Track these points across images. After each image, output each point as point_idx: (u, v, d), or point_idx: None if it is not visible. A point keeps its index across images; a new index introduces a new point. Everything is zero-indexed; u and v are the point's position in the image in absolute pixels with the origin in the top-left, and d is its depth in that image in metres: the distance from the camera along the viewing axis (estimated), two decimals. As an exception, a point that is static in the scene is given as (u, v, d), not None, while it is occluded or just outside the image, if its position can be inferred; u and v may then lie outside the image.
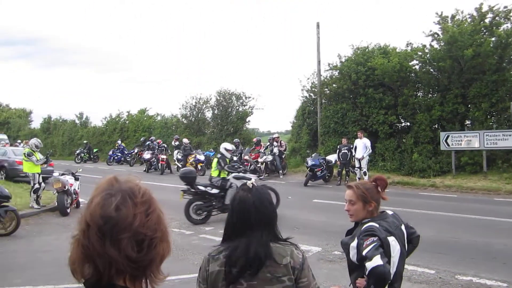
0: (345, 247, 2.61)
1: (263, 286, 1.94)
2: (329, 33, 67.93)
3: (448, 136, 16.04)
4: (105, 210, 1.12)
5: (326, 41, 43.66)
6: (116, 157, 27.98)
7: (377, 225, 2.50)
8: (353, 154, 16.06)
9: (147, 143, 24.35)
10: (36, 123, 46.66)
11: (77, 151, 30.83)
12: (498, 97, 16.07)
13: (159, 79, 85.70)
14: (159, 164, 21.44)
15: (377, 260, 2.26)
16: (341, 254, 7.09)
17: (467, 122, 17.40)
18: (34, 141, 12.50)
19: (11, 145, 25.97)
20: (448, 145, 16.00)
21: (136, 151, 26.64)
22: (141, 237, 1.13)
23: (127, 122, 34.70)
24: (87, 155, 30.27)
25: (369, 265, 2.28)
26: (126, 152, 28.39)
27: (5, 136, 31.62)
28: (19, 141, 31.08)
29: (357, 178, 15.63)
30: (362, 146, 15.75)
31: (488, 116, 16.87)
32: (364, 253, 2.35)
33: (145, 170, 22.21)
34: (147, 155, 22.54)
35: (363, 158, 15.66)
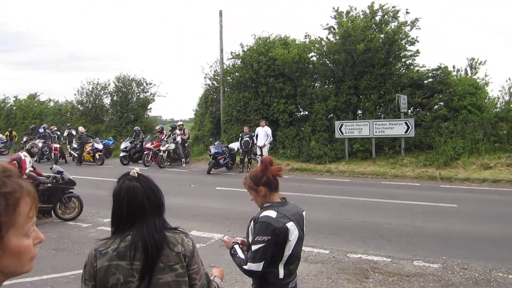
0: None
1: (156, 276, 1.89)
2: (233, 22, 68.45)
3: (342, 125, 17.10)
4: None
5: (229, 29, 43.83)
6: None
7: (275, 213, 2.53)
8: (254, 142, 16.42)
9: (40, 130, 22.48)
10: None
11: None
12: (386, 89, 17.50)
13: (55, 62, 79.52)
14: (52, 154, 19.91)
15: (258, 267, 2.47)
16: (244, 239, 7.26)
17: (359, 112, 18.73)
18: None
19: None
20: (342, 133, 17.07)
21: (25, 139, 24.42)
22: None
23: (14, 108, 31.70)
24: None
25: (250, 266, 2.49)
26: (3, 140, 26.01)
27: None
28: None
29: (258, 165, 15.97)
30: (263, 134, 16.18)
31: (377, 107, 18.30)
32: (252, 247, 2.50)
33: (36, 160, 20.45)
34: (38, 143, 20.77)
35: (264, 145, 16.12)
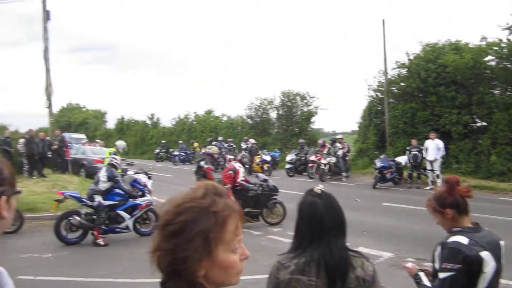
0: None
1: None
2: (396, 29, 65.75)
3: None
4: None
5: (392, 38, 42.27)
6: (181, 157, 28.82)
7: (466, 240, 2.33)
8: (424, 156, 15.40)
9: (214, 143, 24.88)
10: (110, 124, 49.15)
11: (156, 150, 31.64)
12: None
13: (222, 79, 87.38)
14: (226, 164, 21.79)
15: None
16: (415, 261, 6.85)
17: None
18: (122, 144, 13.81)
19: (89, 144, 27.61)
20: (531, 146, 14.87)
21: (202, 151, 27.31)
22: None
23: (194, 122, 35.72)
24: (165, 154, 31.02)
25: None
26: (188, 152, 29.17)
27: (83, 136, 33.67)
28: (97, 140, 32.78)
29: (429, 180, 15.00)
30: (434, 147, 15.03)
31: None
32: (440, 275, 2.32)
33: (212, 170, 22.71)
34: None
35: (435, 160, 14.95)
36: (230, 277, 1.20)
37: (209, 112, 35.74)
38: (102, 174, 8.83)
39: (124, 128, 43.34)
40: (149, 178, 13.04)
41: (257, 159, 20.87)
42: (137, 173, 12.95)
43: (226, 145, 24.03)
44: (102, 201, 8.56)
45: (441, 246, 2.42)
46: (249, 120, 30.41)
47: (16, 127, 27.45)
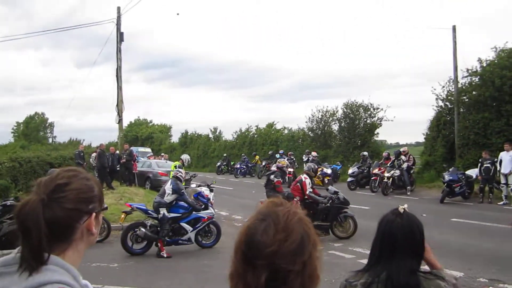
0: None
1: None
2: (466, 35, 62.95)
3: None
4: (250, 235, 1.11)
5: (462, 44, 40.29)
6: (242, 170, 29.10)
7: None
8: (497, 169, 14.42)
9: (277, 155, 24.94)
10: (175, 138, 50.89)
11: (218, 163, 32.21)
12: None
13: (283, 93, 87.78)
14: (286, 177, 21.73)
15: None
16: (488, 282, 6.39)
17: None
18: (187, 157, 14.91)
19: (154, 157, 28.78)
20: None
21: (264, 164, 27.44)
22: (275, 266, 1.06)
23: (255, 136, 36.09)
24: (226, 167, 31.63)
25: None
26: (250, 165, 29.39)
27: (149, 150, 35.10)
28: (162, 154, 34.11)
29: (503, 195, 14.02)
30: (509, 159, 14.01)
31: None
32: None
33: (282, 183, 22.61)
34: (274, 167, 22.97)
35: (510, 173, 13.95)
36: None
37: (270, 125, 35.96)
38: (168, 187, 9.10)
39: (188, 141, 44.69)
40: (211, 190, 13.32)
41: (318, 172, 20.64)
42: (200, 185, 13.28)
43: (286, 158, 23.96)
44: (167, 214, 8.81)
45: None
46: (310, 132, 30.20)
47: (89, 141, 29.23)
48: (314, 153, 22.22)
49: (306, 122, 30.32)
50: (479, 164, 14.99)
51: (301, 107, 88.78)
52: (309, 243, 1.13)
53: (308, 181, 9.82)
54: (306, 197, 9.84)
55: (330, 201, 9.74)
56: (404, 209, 2.00)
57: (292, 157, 24.44)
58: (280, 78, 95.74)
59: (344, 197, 9.93)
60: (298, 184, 9.91)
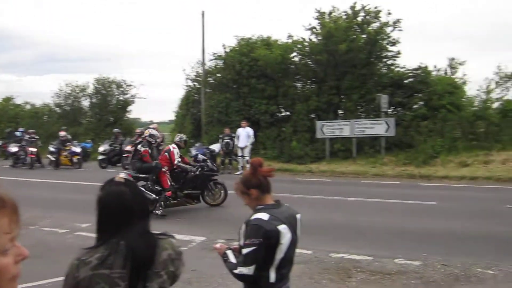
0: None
1: (145, 283, 1.82)
2: (215, 22, 68.18)
3: (323, 125, 17.14)
4: None
5: (211, 30, 43.65)
6: None
7: (267, 216, 2.47)
8: (235, 143, 16.29)
9: (16, 133, 21.90)
10: None
11: None
12: (367, 89, 17.63)
13: (24, 64, 77.61)
14: (28, 158, 19.31)
15: (249, 270, 2.41)
16: (225, 242, 7.12)
17: (340, 112, 18.81)
18: None
19: None
20: (324, 133, 17.12)
21: (0, 143, 23.74)
22: None
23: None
24: None
25: (241, 269, 2.44)
26: None
27: None
28: None
29: (239, 166, 15.90)
30: (245, 135, 16.04)
31: (358, 107, 18.41)
32: (243, 251, 2.46)
33: (11, 165, 19.81)
34: (13, 148, 20.09)
35: (246, 147, 15.99)
36: (1, 284, 0.96)
37: (7, 100, 31.26)
38: None
39: None
40: None
41: (65, 151, 19.05)
42: None
43: (27, 136, 21.24)
44: None
45: (245, 224, 2.56)
46: (57, 108, 27.72)
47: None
48: (62, 133, 19.95)
49: (53, 97, 27.70)
50: (220, 139, 16.64)
51: (47, 81, 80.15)
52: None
53: (176, 150, 9.54)
54: (174, 166, 9.57)
55: (200, 169, 9.74)
56: (123, 178, 1.97)
57: (34, 135, 21.84)
58: (23, 48, 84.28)
59: (213, 165, 10.27)
60: (166, 153, 9.59)
